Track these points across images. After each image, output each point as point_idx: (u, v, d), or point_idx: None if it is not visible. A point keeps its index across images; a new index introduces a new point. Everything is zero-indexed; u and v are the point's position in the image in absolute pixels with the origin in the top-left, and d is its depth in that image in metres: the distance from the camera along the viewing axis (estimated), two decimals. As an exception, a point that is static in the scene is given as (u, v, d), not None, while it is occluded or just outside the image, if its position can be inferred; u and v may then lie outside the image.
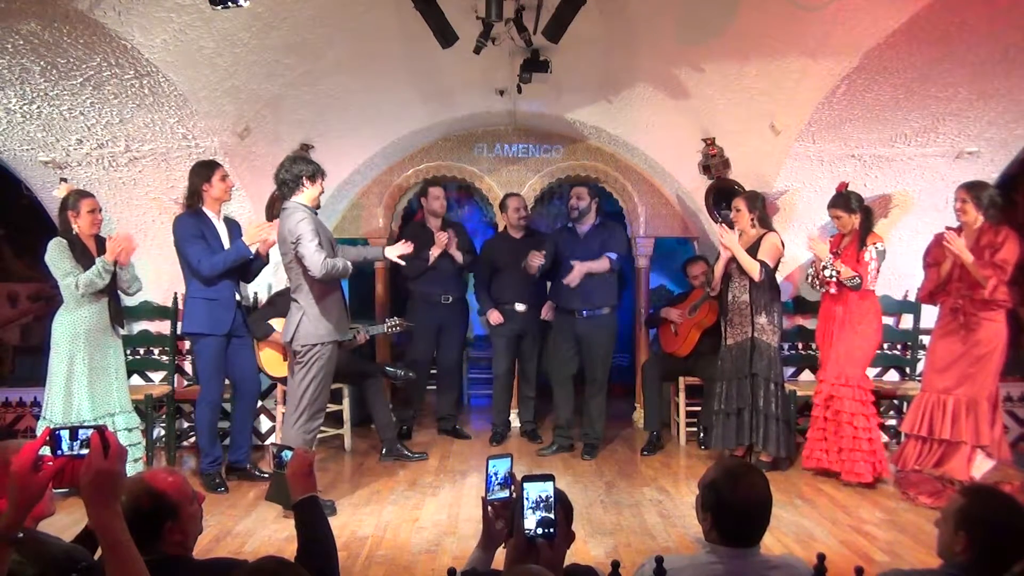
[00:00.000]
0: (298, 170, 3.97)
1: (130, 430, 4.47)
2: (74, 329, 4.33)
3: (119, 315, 4.52)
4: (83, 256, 4.31)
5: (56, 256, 4.29)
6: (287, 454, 2.13)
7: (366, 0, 4.22)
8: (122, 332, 4.60)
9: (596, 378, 5.20)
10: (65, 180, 4.61)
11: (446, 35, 3.95)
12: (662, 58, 4.90)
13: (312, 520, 2.07)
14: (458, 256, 5.65)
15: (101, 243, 4.43)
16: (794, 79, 4.55)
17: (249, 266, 4.60)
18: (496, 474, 1.90)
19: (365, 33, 4.53)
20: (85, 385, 4.31)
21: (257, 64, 4.45)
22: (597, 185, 5.72)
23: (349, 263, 4.05)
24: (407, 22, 4.12)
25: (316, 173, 4.02)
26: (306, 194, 4.01)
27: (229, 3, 3.37)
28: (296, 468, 2.08)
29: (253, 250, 4.41)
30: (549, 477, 1.67)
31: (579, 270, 5.06)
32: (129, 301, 5.02)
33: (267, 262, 4.75)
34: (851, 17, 3.93)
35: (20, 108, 4.35)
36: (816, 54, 4.29)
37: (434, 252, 5.50)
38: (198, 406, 4.62)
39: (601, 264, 5.06)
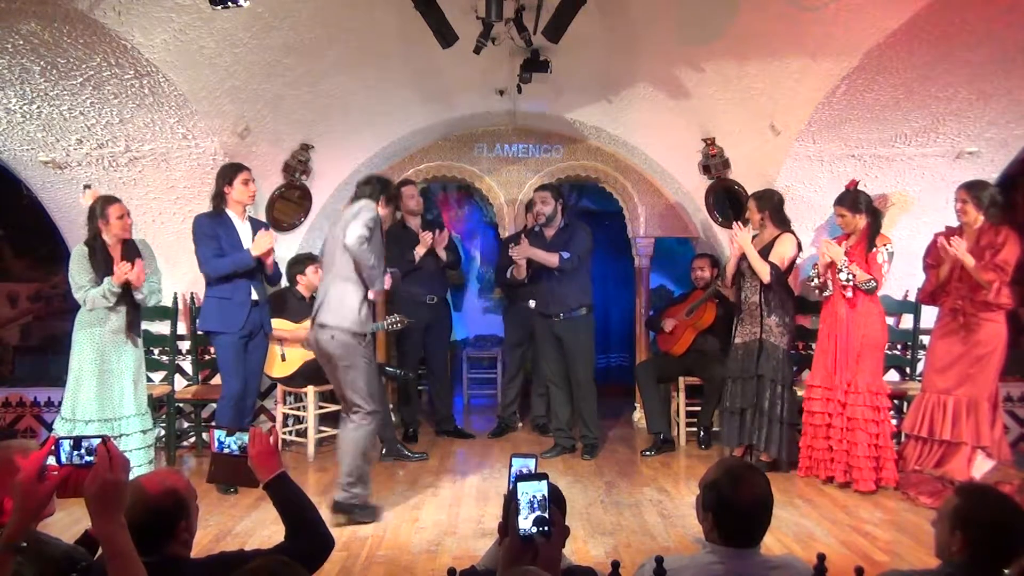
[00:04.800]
0: (381, 188, 4.09)
1: (144, 432, 4.47)
2: (88, 330, 4.33)
3: (136, 323, 4.49)
4: (104, 265, 4.28)
5: (74, 267, 4.30)
6: (243, 436, 2.11)
7: (366, 0, 4.22)
8: (139, 340, 4.56)
9: (581, 379, 5.21)
10: (89, 187, 4.59)
11: (446, 35, 3.95)
12: (662, 58, 4.90)
13: (289, 496, 2.08)
14: (443, 255, 5.65)
15: (132, 248, 4.40)
16: (794, 79, 4.55)
17: (263, 273, 4.67)
18: (526, 497, 1.63)
19: (365, 33, 4.53)
20: (92, 387, 4.30)
21: (257, 64, 4.46)
22: (559, 187, 5.70)
23: (377, 285, 3.98)
24: (407, 22, 4.12)
25: (393, 202, 4.22)
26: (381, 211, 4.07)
27: (229, 3, 3.37)
28: (261, 449, 2.07)
29: (256, 254, 4.47)
30: (543, 476, 1.66)
31: (523, 251, 5.09)
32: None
33: (277, 275, 4.83)
34: (851, 17, 3.93)
35: (20, 108, 4.36)
36: (816, 54, 4.29)
37: (419, 251, 5.50)
38: (219, 402, 4.65)
39: (550, 258, 5.04)
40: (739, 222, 4.84)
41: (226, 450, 2.12)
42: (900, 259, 5.08)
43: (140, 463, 4.40)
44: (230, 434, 2.13)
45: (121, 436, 4.36)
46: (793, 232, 4.81)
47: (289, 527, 2.06)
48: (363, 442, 3.91)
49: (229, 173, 4.54)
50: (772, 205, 4.83)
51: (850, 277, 4.44)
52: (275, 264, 4.75)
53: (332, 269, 3.97)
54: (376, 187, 4.07)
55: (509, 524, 1.62)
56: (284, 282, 5.44)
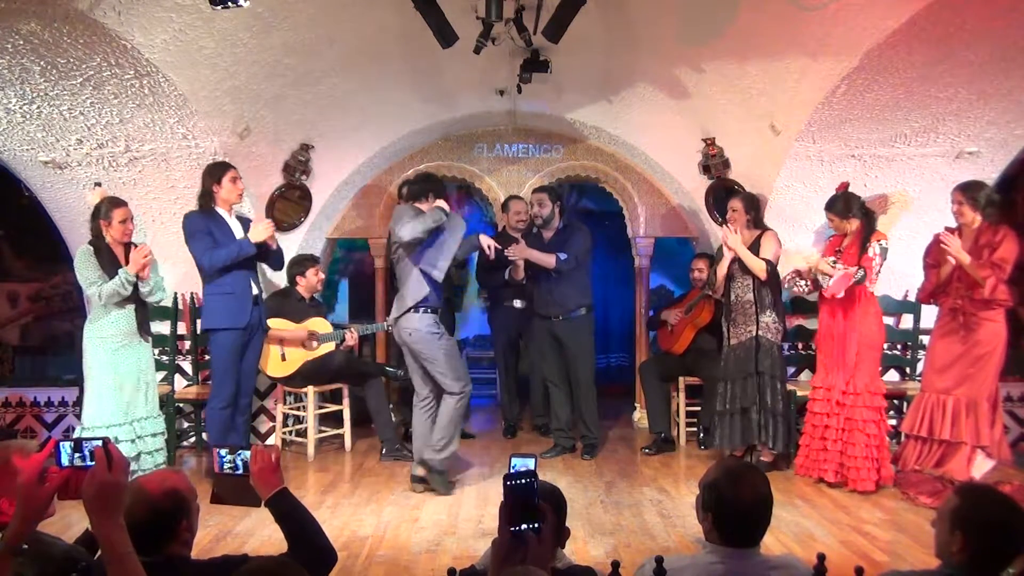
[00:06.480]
0: (429, 186, 4.41)
1: (154, 435, 4.48)
2: (100, 335, 4.33)
3: (146, 323, 4.49)
4: (110, 264, 4.28)
5: (82, 265, 4.29)
6: (245, 453, 2.12)
7: (366, 0, 4.22)
8: (150, 338, 4.57)
9: (581, 380, 5.21)
10: (99, 185, 4.57)
11: (446, 35, 3.95)
12: (662, 58, 4.90)
13: (290, 512, 2.10)
14: None
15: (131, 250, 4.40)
16: (794, 79, 4.55)
17: (268, 259, 4.70)
18: (514, 491, 1.64)
19: (365, 33, 4.53)
20: (111, 390, 4.31)
21: (257, 64, 4.46)
22: (557, 188, 5.69)
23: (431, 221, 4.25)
24: (407, 22, 4.12)
25: (440, 194, 4.43)
26: (426, 207, 4.33)
27: (229, 3, 3.38)
28: (263, 465, 2.08)
29: (255, 241, 4.48)
30: (531, 474, 1.66)
31: (520, 252, 5.14)
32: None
33: (282, 258, 4.82)
34: (851, 17, 3.93)
35: (20, 108, 4.35)
36: (816, 54, 4.29)
37: None
38: (209, 404, 4.61)
39: (546, 259, 5.07)
40: (728, 225, 4.82)
41: (227, 468, 2.12)
42: (900, 259, 5.09)
43: (155, 464, 4.42)
44: (231, 452, 2.13)
45: (140, 438, 4.37)
46: (772, 229, 4.85)
47: (291, 542, 2.07)
48: (457, 414, 4.37)
49: (217, 171, 4.51)
50: (756, 206, 4.89)
51: (829, 270, 4.38)
52: (278, 247, 4.75)
53: (398, 270, 4.46)
54: (421, 187, 4.41)
55: (499, 522, 1.62)
56: (284, 282, 5.45)
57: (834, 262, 4.43)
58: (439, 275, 4.31)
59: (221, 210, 4.54)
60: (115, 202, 4.39)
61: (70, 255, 5.09)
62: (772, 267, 4.68)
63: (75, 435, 4.50)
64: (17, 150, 4.77)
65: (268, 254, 4.66)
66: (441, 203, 4.34)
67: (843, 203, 4.52)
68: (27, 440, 5.67)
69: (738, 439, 4.78)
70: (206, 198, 4.52)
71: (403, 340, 4.40)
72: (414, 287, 4.32)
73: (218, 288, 4.50)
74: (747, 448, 4.86)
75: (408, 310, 4.31)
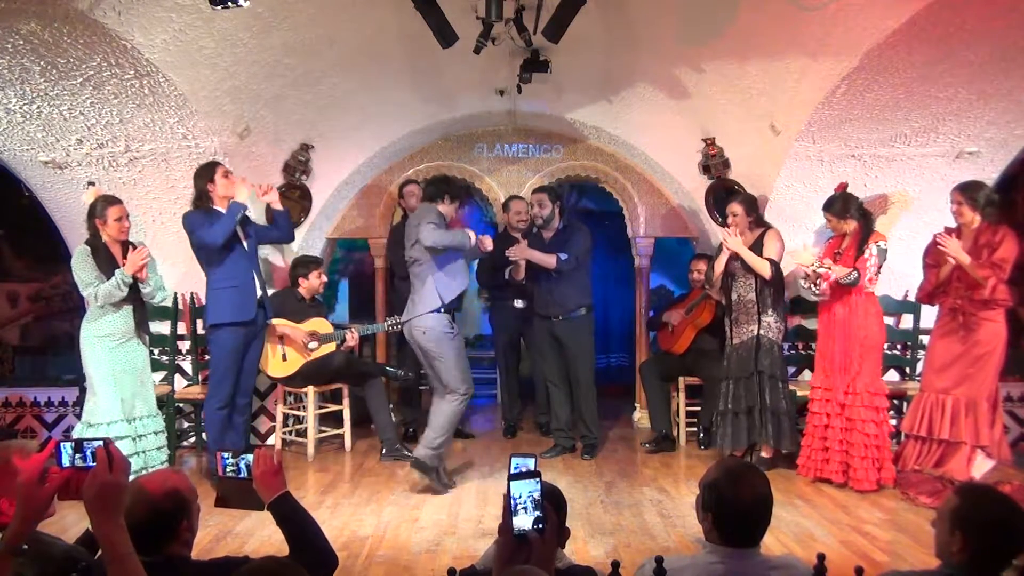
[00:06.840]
0: (445, 187, 4.54)
1: (156, 433, 4.48)
2: (97, 334, 4.32)
3: (144, 322, 4.49)
4: (107, 264, 4.27)
5: (79, 265, 4.28)
6: (248, 457, 2.12)
7: (366, 0, 4.22)
8: (147, 338, 4.57)
9: (581, 380, 5.21)
10: (93, 184, 4.56)
11: (446, 35, 3.95)
12: (662, 58, 4.91)
13: (292, 515, 2.10)
14: None
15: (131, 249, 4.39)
16: (794, 79, 4.55)
17: (273, 231, 4.76)
18: (519, 496, 1.64)
19: (365, 33, 4.54)
20: (111, 388, 4.30)
21: (257, 64, 4.46)
22: (557, 188, 5.68)
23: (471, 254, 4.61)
24: (407, 22, 4.13)
25: (456, 196, 4.58)
26: (444, 208, 4.46)
27: (229, 3, 3.38)
28: (265, 469, 2.09)
29: (244, 199, 4.44)
30: (536, 474, 1.66)
31: (521, 252, 5.17)
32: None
33: (290, 226, 4.83)
34: (851, 17, 3.93)
35: (20, 108, 4.36)
36: (816, 54, 4.29)
37: None
38: (206, 404, 4.59)
39: (547, 259, 5.08)
40: (729, 228, 4.81)
41: (230, 471, 2.13)
42: (900, 259, 5.09)
43: (157, 463, 4.42)
44: (234, 456, 2.14)
45: (142, 437, 4.37)
46: (775, 228, 4.85)
47: (292, 545, 2.08)
48: (455, 414, 4.42)
49: (208, 171, 4.48)
50: (755, 207, 4.88)
51: (826, 269, 4.36)
52: (286, 210, 4.80)
53: (412, 272, 4.50)
54: (437, 188, 4.51)
55: (503, 523, 1.62)
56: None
57: (819, 265, 4.43)
58: (451, 295, 4.43)
59: (219, 208, 4.53)
60: (109, 200, 4.37)
61: (70, 255, 5.08)
62: (776, 266, 4.68)
63: (74, 433, 4.51)
64: (17, 150, 4.77)
65: (269, 230, 4.67)
66: (470, 232, 4.47)
67: (841, 203, 4.52)
68: (27, 440, 5.68)
69: (743, 439, 4.77)
70: (202, 199, 4.48)
71: (415, 339, 4.43)
72: (429, 295, 4.36)
73: (221, 282, 4.47)
74: (747, 448, 4.85)
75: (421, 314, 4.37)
